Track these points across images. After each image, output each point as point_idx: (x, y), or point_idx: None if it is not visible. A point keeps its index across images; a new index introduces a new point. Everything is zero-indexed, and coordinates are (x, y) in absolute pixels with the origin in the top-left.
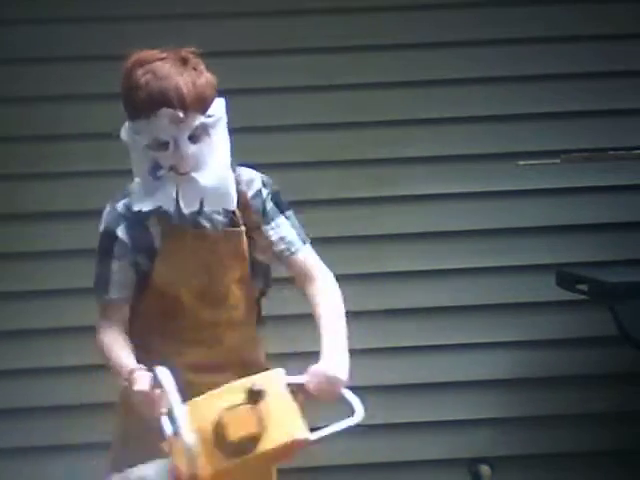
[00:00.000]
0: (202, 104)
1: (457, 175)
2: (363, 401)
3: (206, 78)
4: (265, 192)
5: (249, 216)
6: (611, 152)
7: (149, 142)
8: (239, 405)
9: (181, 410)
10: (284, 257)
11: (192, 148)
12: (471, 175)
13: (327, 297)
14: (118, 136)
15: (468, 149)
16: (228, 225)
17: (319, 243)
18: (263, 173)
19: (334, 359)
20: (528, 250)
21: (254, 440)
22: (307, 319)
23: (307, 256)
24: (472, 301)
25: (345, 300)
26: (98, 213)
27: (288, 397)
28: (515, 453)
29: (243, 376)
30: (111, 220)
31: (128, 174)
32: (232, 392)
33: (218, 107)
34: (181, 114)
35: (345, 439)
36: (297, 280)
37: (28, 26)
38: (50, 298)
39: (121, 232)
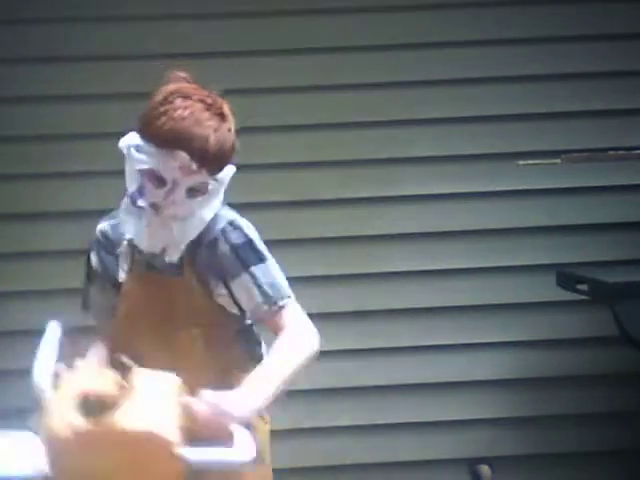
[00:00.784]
0: (218, 167)
1: (457, 175)
2: (365, 401)
3: (232, 142)
4: (225, 247)
5: (197, 267)
6: (611, 152)
7: (147, 169)
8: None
9: (44, 364)
10: (253, 318)
11: (185, 199)
12: (471, 175)
13: (287, 340)
14: None
15: (468, 149)
16: (175, 271)
17: (319, 243)
18: (263, 173)
19: (239, 395)
20: (528, 250)
21: (113, 407)
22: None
23: (276, 317)
24: (472, 301)
25: (345, 300)
26: (98, 213)
27: (173, 402)
28: (515, 453)
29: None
30: (91, 243)
31: None
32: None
33: (227, 173)
34: (194, 166)
35: (344, 439)
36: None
37: (28, 26)
38: (50, 298)
39: (93, 257)
